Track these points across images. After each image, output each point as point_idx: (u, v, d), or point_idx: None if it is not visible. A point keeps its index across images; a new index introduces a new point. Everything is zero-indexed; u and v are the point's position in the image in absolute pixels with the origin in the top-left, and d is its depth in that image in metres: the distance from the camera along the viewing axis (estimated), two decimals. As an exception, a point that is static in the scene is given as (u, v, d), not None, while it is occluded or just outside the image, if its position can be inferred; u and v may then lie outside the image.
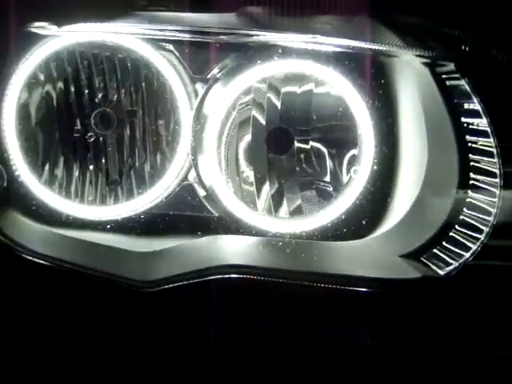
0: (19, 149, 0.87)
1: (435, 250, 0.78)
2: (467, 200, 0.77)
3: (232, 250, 0.81)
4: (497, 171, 0.75)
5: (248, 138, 0.82)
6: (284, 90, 0.80)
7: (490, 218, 0.75)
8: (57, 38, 0.85)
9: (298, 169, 0.80)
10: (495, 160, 0.75)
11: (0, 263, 0.86)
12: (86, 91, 0.87)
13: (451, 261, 0.77)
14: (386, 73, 0.79)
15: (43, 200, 0.87)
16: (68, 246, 0.88)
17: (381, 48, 0.77)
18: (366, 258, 0.78)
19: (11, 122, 0.86)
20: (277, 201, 0.82)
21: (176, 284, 0.80)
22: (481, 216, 0.77)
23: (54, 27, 0.85)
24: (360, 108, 0.78)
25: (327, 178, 0.81)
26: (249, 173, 0.82)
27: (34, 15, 0.85)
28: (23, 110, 0.88)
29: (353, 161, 0.79)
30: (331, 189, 0.80)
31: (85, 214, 0.87)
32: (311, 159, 0.80)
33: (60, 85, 0.88)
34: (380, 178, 0.78)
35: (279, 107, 0.80)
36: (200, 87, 0.83)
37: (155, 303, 0.82)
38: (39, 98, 0.88)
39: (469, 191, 0.77)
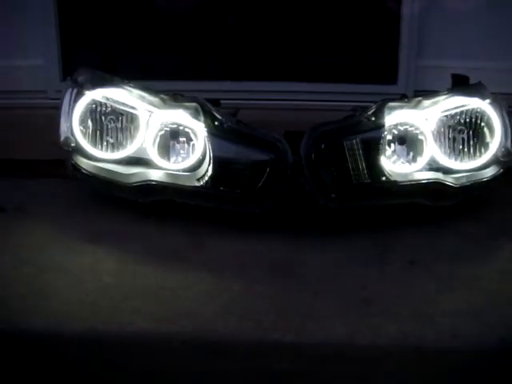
0: (79, 132, 2.22)
1: None
2: None
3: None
4: None
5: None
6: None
7: None
8: (87, 93, 2.21)
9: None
10: None
11: (75, 175, 2.28)
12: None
13: None
14: None
15: (88, 151, 2.22)
16: (96, 168, 2.27)
17: None
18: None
19: (76, 121, 2.23)
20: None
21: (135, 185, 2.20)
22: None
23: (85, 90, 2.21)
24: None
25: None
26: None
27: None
28: (81, 117, 2.27)
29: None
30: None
31: (104, 155, 2.27)
32: None
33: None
34: None
35: None
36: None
37: (130, 189, 2.23)
38: (87, 113, 2.26)
39: None
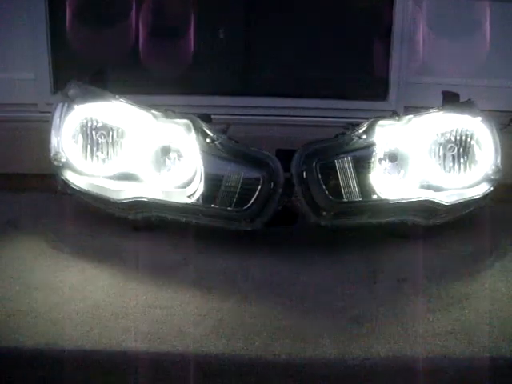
0: (70, 146, 2.23)
1: None
2: None
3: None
4: None
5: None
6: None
7: None
8: (78, 108, 2.20)
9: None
10: None
11: (65, 190, 2.26)
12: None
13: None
14: None
15: (78, 166, 2.22)
16: (86, 183, 2.26)
17: None
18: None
19: (66, 136, 2.23)
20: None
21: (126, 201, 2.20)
22: None
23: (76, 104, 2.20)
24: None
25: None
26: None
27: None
28: (71, 131, 2.27)
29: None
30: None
31: (94, 170, 2.27)
32: None
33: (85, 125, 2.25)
34: None
35: None
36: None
37: (121, 206, 2.21)
38: (78, 127, 2.26)
39: None
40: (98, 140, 2.20)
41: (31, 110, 2.66)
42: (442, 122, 2.21)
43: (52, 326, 1.69)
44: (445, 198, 2.18)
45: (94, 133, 2.20)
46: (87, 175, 2.21)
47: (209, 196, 2.08)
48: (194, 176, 2.12)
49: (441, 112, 2.23)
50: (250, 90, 2.69)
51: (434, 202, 2.16)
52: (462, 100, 2.31)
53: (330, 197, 2.05)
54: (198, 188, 2.10)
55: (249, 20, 2.70)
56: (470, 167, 2.24)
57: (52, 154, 2.19)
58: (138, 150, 2.17)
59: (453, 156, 2.23)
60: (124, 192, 2.16)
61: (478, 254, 2.15)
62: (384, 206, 2.13)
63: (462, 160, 2.23)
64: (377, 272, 2.02)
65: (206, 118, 2.26)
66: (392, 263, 2.08)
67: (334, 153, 2.07)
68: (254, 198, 2.04)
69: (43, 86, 2.67)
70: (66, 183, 2.20)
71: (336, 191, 2.06)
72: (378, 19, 2.69)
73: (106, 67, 2.44)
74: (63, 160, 2.19)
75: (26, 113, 2.66)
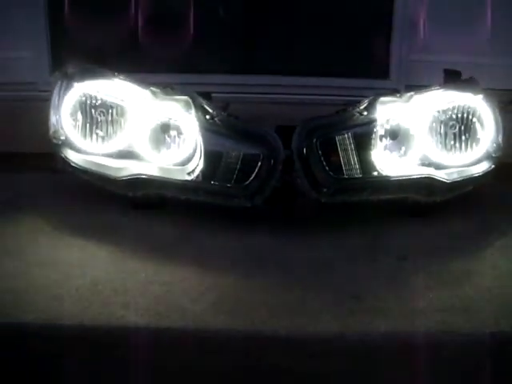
0: (69, 125, 2.22)
1: None
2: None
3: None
4: None
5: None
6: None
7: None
8: (77, 85, 2.19)
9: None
10: None
11: (64, 168, 2.27)
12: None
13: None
14: None
15: (77, 144, 2.22)
16: (86, 161, 2.26)
17: None
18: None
19: (65, 114, 2.23)
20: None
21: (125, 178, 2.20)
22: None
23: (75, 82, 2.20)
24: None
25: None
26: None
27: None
28: (70, 110, 2.26)
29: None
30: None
31: (93, 148, 2.26)
32: None
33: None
34: None
35: None
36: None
37: (120, 183, 2.21)
38: (77, 105, 2.26)
39: None
40: (97, 118, 2.19)
41: (30, 89, 2.65)
42: (444, 100, 2.20)
43: (52, 301, 1.69)
44: (446, 176, 2.17)
45: (93, 110, 2.18)
46: (87, 153, 2.19)
47: (208, 173, 2.07)
48: (193, 153, 2.11)
49: (442, 90, 2.21)
50: (250, 68, 2.68)
51: (434, 180, 2.15)
52: (463, 78, 2.30)
53: (331, 173, 2.04)
54: (197, 165, 2.08)
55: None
56: (471, 145, 2.22)
57: (51, 132, 2.18)
58: (137, 127, 2.16)
59: (454, 134, 2.21)
60: (123, 170, 2.15)
61: (479, 231, 2.14)
62: (384, 183, 2.12)
63: (463, 138, 2.21)
64: (377, 249, 2.01)
65: (206, 97, 2.25)
66: (392, 240, 2.08)
67: (335, 129, 2.06)
68: (253, 174, 2.03)
69: (42, 64, 2.66)
70: (65, 161, 2.19)
71: (336, 168, 2.05)
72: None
73: (104, 45, 2.43)
74: (62, 138, 2.18)
75: (26, 92, 2.65)
